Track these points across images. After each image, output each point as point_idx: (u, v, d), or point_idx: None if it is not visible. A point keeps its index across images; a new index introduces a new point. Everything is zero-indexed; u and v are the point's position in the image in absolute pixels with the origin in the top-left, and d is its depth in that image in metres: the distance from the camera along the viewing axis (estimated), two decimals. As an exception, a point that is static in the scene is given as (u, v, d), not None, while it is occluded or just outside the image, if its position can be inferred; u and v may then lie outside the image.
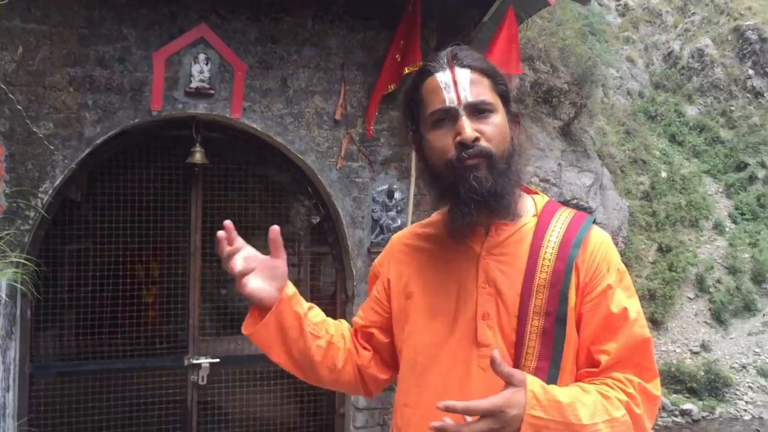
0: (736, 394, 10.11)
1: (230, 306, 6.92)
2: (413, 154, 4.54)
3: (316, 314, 1.63)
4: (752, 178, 13.68)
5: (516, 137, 1.54)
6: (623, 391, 1.38)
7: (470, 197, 1.43)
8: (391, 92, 4.55)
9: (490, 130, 1.46)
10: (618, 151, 13.08)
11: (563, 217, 1.54)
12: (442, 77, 1.48)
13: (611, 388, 1.38)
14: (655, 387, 1.44)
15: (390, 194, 4.61)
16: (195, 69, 4.41)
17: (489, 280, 1.49)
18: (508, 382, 1.26)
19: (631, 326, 1.44)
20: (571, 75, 11.39)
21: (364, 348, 1.68)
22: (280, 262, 1.52)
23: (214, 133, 4.75)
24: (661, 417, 9.57)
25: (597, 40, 13.31)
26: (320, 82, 4.61)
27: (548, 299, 1.44)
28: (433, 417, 1.47)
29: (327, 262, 5.68)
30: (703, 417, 9.66)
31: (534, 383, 1.28)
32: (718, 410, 9.79)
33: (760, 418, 9.68)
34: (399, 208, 4.55)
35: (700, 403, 9.85)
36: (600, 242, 1.53)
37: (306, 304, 1.61)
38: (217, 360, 4.66)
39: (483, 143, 1.44)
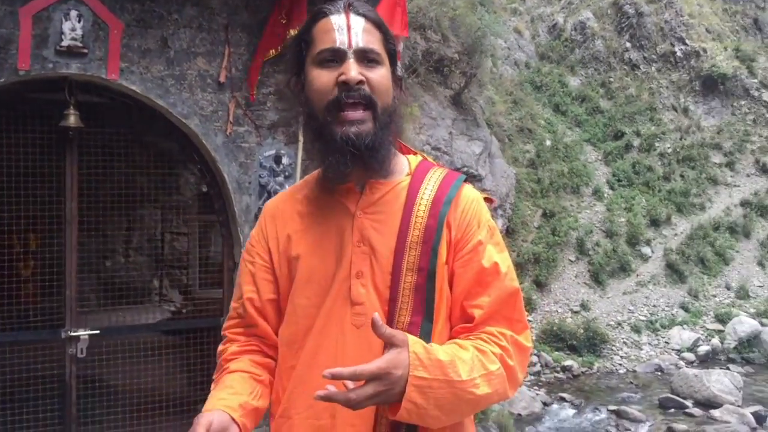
0: (612, 350, 10.79)
1: (115, 277, 6.67)
2: (301, 119, 4.50)
3: (255, 396, 1.54)
4: (628, 147, 14.49)
5: (398, 98, 1.54)
6: (497, 344, 1.42)
7: (347, 149, 1.41)
8: (277, 55, 4.45)
9: (376, 80, 1.46)
10: (506, 120, 13.47)
11: (435, 175, 1.56)
12: (336, 19, 1.48)
13: (486, 342, 1.42)
14: (526, 338, 1.49)
15: (277, 159, 4.55)
16: (66, 26, 4.15)
17: (364, 238, 1.50)
18: (390, 344, 1.27)
19: (502, 280, 1.49)
20: (461, 45, 11.56)
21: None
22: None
23: (90, 96, 4.50)
24: (544, 374, 10.10)
25: (486, 11, 13.55)
26: (203, 43, 4.45)
27: (420, 255, 1.46)
28: (311, 377, 1.47)
29: (217, 230, 5.57)
30: (582, 372, 10.27)
31: (416, 344, 1.30)
32: (596, 365, 10.43)
33: (634, 371, 10.40)
34: (287, 173, 4.50)
35: (580, 359, 10.45)
36: (471, 200, 1.56)
37: (249, 398, 1.52)
38: (97, 332, 4.49)
39: (366, 89, 1.44)
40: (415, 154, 1.66)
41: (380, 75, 1.47)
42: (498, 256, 1.52)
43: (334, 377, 1.21)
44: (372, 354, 1.43)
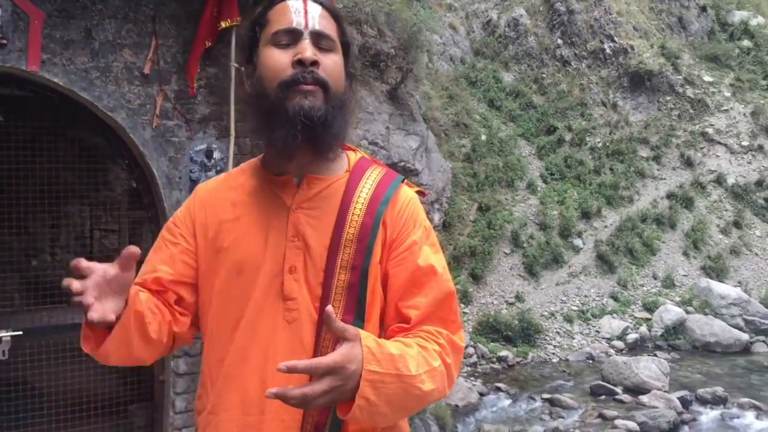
0: (545, 340, 11.05)
1: (40, 276, 6.43)
2: (232, 113, 4.43)
3: (145, 298, 1.50)
4: (560, 141, 14.84)
5: (349, 92, 1.54)
6: (435, 342, 1.43)
7: (299, 120, 1.39)
8: (209, 48, 4.36)
9: (330, 65, 1.46)
10: (442, 115, 13.59)
11: (374, 174, 1.56)
12: (294, 3, 1.49)
13: (426, 340, 1.42)
14: (460, 338, 1.51)
15: (209, 154, 4.47)
16: (-17, 15, 3.97)
17: (298, 233, 1.48)
18: (342, 338, 1.24)
19: (438, 281, 1.50)
20: (397, 40, 11.58)
21: (181, 314, 1.58)
22: (130, 275, 1.35)
23: (10, 88, 4.32)
24: (480, 365, 10.26)
25: (422, 6, 13.62)
26: (129, 34, 4.32)
27: (355, 253, 1.46)
28: (241, 373, 1.45)
29: (147, 226, 5.43)
30: (517, 362, 10.47)
31: (368, 338, 1.29)
32: (530, 355, 10.66)
33: (566, 360, 10.67)
34: (218, 168, 4.42)
35: (515, 349, 10.66)
36: (408, 200, 1.57)
37: (141, 295, 1.48)
38: (20, 332, 4.32)
39: (320, 72, 1.43)
40: (354, 151, 1.65)
41: (334, 62, 1.48)
42: (434, 257, 1.53)
43: (290, 370, 1.17)
44: (304, 349, 1.44)
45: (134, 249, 1.29)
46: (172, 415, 4.37)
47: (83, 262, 1.27)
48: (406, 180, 1.66)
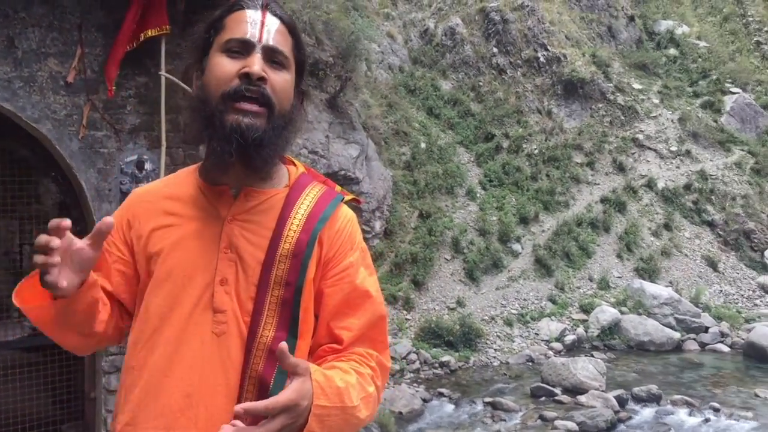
0: (486, 344, 11.18)
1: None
2: (163, 123, 4.36)
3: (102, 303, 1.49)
4: (498, 148, 15.09)
5: (296, 110, 1.53)
6: (368, 365, 1.45)
7: (234, 137, 1.37)
8: (137, 56, 4.28)
9: (279, 83, 1.44)
10: (381, 123, 13.66)
11: (314, 191, 1.55)
12: (252, 14, 1.45)
13: (359, 364, 1.44)
14: (387, 358, 1.52)
15: (140, 165, 4.38)
16: None
17: (232, 245, 1.46)
18: (294, 373, 1.24)
19: (372, 304, 1.50)
20: (335, 49, 11.61)
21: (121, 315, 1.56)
22: (95, 254, 1.33)
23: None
24: (423, 370, 10.31)
25: (359, 15, 13.71)
26: (54, 43, 4.22)
27: (289, 269, 1.44)
28: (165, 385, 1.41)
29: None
30: (459, 367, 10.57)
31: (316, 372, 1.29)
32: (472, 359, 10.77)
33: (507, 363, 10.82)
34: (150, 179, 4.34)
35: (457, 354, 10.75)
36: (347, 220, 1.56)
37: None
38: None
39: (267, 89, 1.41)
40: (295, 165, 1.64)
41: (283, 79, 1.45)
42: (369, 279, 1.53)
43: (247, 413, 1.17)
44: (231, 363, 1.41)
45: (109, 220, 1.28)
46: (105, 433, 4.26)
47: (66, 222, 1.25)
48: (341, 189, 1.66)
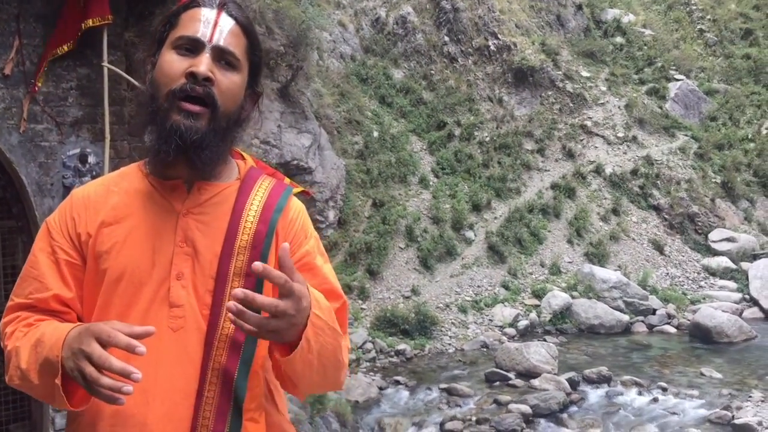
0: (441, 331, 11.30)
1: None
2: (107, 115, 4.26)
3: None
4: (450, 136, 15.19)
5: (248, 110, 1.54)
6: None
7: (174, 139, 1.38)
8: (71, 50, 4.15)
9: (226, 84, 1.43)
10: (334, 112, 13.62)
11: (265, 184, 1.56)
12: (207, 12, 1.45)
13: None
14: (347, 343, 1.52)
15: (83, 158, 4.27)
16: None
17: (187, 239, 1.46)
18: (291, 279, 1.22)
19: (332, 292, 1.51)
20: (286, 38, 11.50)
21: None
22: None
23: None
24: (378, 359, 10.37)
25: (310, 4, 13.58)
26: (-10, 34, 4.08)
27: (248, 261, 1.44)
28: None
29: (19, 237, 5.13)
30: (415, 354, 10.66)
31: (311, 288, 1.31)
32: (427, 347, 10.87)
33: (462, 349, 10.96)
34: (94, 173, 4.24)
35: (412, 342, 10.84)
36: (299, 210, 1.58)
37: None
38: None
39: (212, 89, 1.41)
40: (243, 159, 1.64)
41: (231, 81, 1.45)
42: (326, 266, 1.56)
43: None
44: (189, 358, 1.41)
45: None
46: (53, 433, 4.17)
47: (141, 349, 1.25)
48: (290, 181, 1.68)
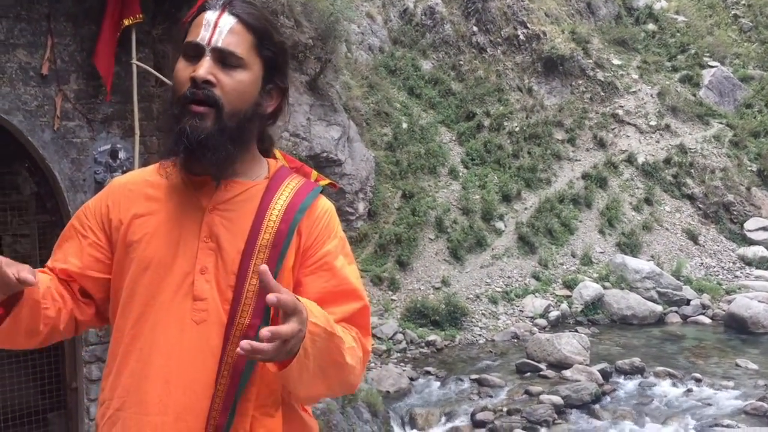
0: (472, 322, 11.29)
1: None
2: (136, 112, 4.33)
3: (48, 283, 1.53)
4: (479, 127, 15.11)
5: (267, 106, 1.54)
6: (350, 335, 1.47)
7: (183, 140, 1.42)
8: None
9: (230, 84, 1.45)
10: (363, 104, 13.63)
11: (293, 183, 1.57)
12: (209, 15, 1.47)
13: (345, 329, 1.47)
14: (369, 343, 1.55)
15: (114, 154, 4.36)
16: None
17: (212, 234, 1.49)
18: (279, 291, 1.25)
19: (353, 293, 1.53)
20: (315, 30, 11.53)
21: (86, 304, 1.58)
22: (15, 286, 1.37)
23: None
24: (409, 350, 10.40)
25: (337, -4, 13.61)
26: (23, 33, 4.17)
27: (268, 259, 1.46)
28: (146, 373, 1.45)
29: (54, 231, 5.25)
30: (445, 345, 10.67)
31: (301, 297, 1.32)
32: (457, 338, 10.87)
33: (493, 340, 10.93)
34: (125, 168, 4.32)
35: (443, 333, 10.85)
36: (325, 210, 1.59)
37: (43, 278, 1.51)
38: None
39: (215, 91, 1.43)
40: (275, 158, 1.66)
41: (237, 80, 1.46)
42: (348, 268, 1.56)
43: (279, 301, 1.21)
44: (211, 351, 1.45)
45: (31, 279, 1.32)
46: (87, 422, 4.28)
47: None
48: (318, 174, 1.69)
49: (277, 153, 1.68)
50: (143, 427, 1.44)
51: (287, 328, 1.21)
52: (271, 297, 1.18)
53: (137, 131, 4.32)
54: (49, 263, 1.59)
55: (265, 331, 1.17)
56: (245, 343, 1.17)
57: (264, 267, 1.23)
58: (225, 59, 1.46)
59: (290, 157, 1.74)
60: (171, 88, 1.51)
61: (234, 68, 1.46)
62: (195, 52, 1.46)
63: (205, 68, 1.43)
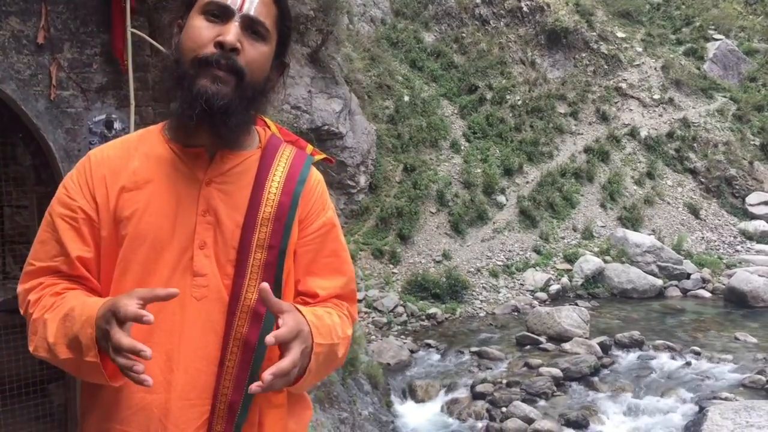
0: (472, 295, 11.31)
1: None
2: (131, 81, 4.28)
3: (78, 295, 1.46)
4: (482, 100, 15.01)
5: (274, 81, 1.51)
6: (343, 314, 1.50)
7: (200, 103, 1.35)
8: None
9: (254, 54, 1.40)
10: (364, 77, 13.53)
11: (286, 153, 1.54)
12: None
13: (336, 309, 1.49)
14: (355, 311, 1.57)
15: (109, 124, 4.31)
16: None
17: (210, 208, 1.44)
18: (280, 311, 1.28)
19: (346, 263, 1.55)
20: (316, 2, 11.41)
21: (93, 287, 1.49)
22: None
23: None
24: (410, 323, 10.45)
25: (338, -33, 13.43)
26: (16, 1, 4.11)
27: (272, 233, 1.44)
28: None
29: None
30: (446, 318, 10.71)
31: (307, 312, 1.35)
32: (458, 311, 10.91)
33: (493, 313, 10.97)
34: (120, 138, 4.29)
35: (443, 306, 10.89)
36: (317, 181, 1.57)
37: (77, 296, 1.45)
38: None
39: (240, 60, 1.38)
40: (265, 126, 1.62)
41: (260, 52, 1.42)
42: (339, 239, 1.57)
43: (276, 339, 1.22)
44: (212, 327, 1.42)
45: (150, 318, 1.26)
46: (87, 392, 4.28)
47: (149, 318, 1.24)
48: (313, 148, 1.67)
49: (272, 126, 1.65)
50: (148, 404, 1.41)
51: (287, 362, 1.23)
52: (269, 339, 1.21)
53: (132, 101, 4.26)
54: (46, 263, 1.47)
55: (266, 375, 1.19)
56: (254, 387, 1.20)
57: (265, 285, 1.24)
58: (252, 29, 1.41)
59: (285, 130, 1.71)
60: (181, 45, 1.42)
61: (259, 39, 1.42)
62: (221, 13, 1.40)
63: (234, 34, 1.37)
